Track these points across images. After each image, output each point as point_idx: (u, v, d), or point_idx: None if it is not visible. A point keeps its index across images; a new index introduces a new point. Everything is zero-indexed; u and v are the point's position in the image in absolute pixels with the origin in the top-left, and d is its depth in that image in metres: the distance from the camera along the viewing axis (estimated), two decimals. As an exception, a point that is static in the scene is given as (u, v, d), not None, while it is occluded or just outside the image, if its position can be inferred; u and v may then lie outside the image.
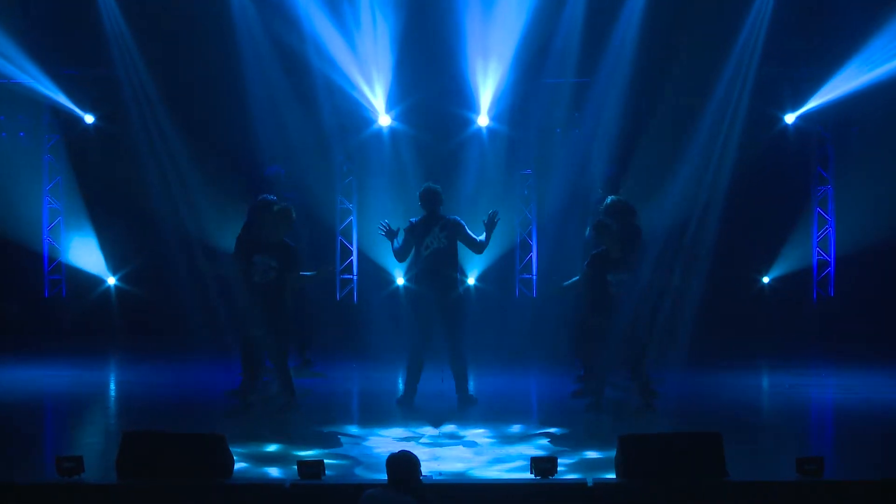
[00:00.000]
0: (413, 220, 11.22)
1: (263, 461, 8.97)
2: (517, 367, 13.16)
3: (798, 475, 7.86)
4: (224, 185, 14.35)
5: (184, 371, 13.03)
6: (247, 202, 12.22)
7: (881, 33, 14.36)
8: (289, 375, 11.02)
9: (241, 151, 14.70)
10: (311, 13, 14.62)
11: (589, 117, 15.03)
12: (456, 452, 9.39)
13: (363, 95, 15.15)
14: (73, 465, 7.78)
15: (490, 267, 15.30)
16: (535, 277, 15.76)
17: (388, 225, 11.14)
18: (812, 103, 15.23)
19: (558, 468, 7.97)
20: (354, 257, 15.83)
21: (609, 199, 11.42)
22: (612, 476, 8.05)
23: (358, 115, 15.29)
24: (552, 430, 10.17)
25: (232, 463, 8.08)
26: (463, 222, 11.21)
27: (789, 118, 15.52)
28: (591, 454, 9.21)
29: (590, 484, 7.86)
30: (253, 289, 10.78)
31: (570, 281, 11.31)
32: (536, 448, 9.46)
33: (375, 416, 10.89)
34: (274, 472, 8.62)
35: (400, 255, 11.26)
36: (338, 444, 9.71)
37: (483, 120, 15.29)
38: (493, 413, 10.87)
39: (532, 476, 7.93)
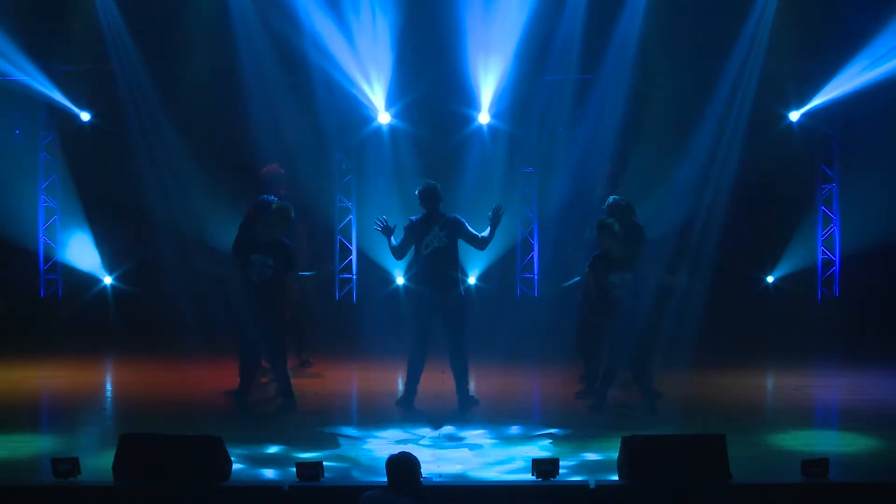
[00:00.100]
0: (413, 218, 11.13)
1: (261, 463, 8.97)
2: (518, 368, 13.10)
3: (803, 477, 7.84)
4: (221, 183, 14.28)
5: (181, 372, 12.93)
6: (244, 200, 12.16)
7: (887, 29, 14.33)
8: (287, 376, 11.03)
9: (238, 149, 14.65)
10: (309, 8, 14.58)
11: (592, 114, 14.98)
12: (456, 454, 9.38)
13: (362, 92, 15.09)
14: (69, 467, 7.78)
15: (491, 266, 15.26)
16: (536, 277, 15.71)
17: (386, 221, 11.03)
18: (817, 101, 15.17)
19: (560, 470, 7.94)
20: (354, 256, 15.78)
21: (611, 198, 11.33)
22: (615, 478, 8.04)
23: (357, 113, 15.25)
24: (554, 430, 10.16)
25: (230, 465, 8.07)
26: (464, 220, 11.14)
27: (794, 116, 15.46)
28: (594, 455, 9.20)
29: (592, 486, 7.85)
30: (250, 288, 10.73)
31: (570, 281, 11.24)
32: (538, 449, 9.43)
33: (375, 417, 10.86)
34: (272, 473, 8.62)
35: (397, 254, 11.17)
36: (336, 445, 9.70)
37: (484, 117, 15.24)
38: (494, 414, 10.84)
39: (533, 478, 7.89)
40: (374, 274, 15.47)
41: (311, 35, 14.64)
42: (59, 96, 15.27)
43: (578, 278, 11.18)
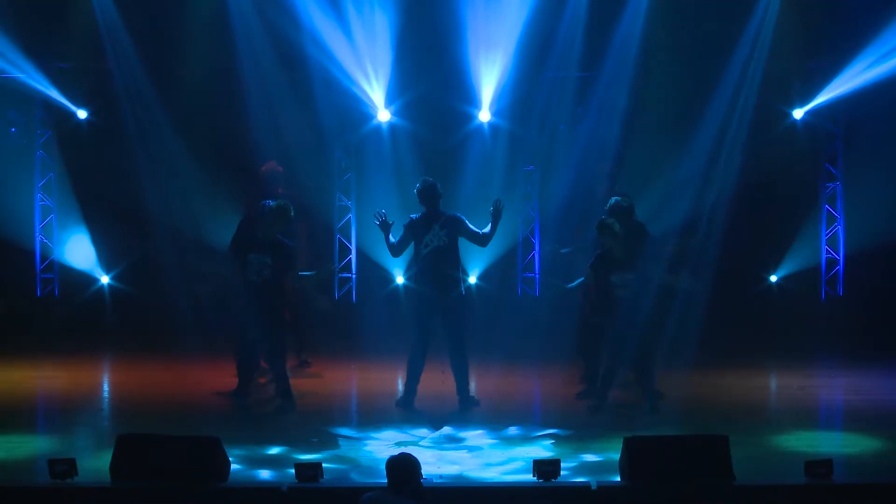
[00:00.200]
0: (413, 216, 11.05)
1: (260, 464, 8.95)
2: (519, 368, 13.06)
3: (806, 478, 7.80)
4: (220, 182, 14.24)
5: (179, 371, 12.89)
6: (243, 199, 12.10)
7: (891, 26, 14.32)
8: (286, 376, 11.00)
9: (236, 147, 14.64)
10: (308, 5, 14.56)
11: (593, 112, 14.94)
12: (457, 454, 9.36)
13: (362, 90, 15.07)
14: (66, 467, 7.74)
15: (492, 265, 15.26)
16: (537, 276, 15.66)
17: (385, 215, 10.95)
18: (821, 98, 15.16)
19: (561, 471, 7.88)
20: (353, 256, 15.75)
21: (612, 199, 11.27)
22: (617, 479, 8.00)
23: (357, 111, 15.22)
24: (555, 431, 10.13)
25: (228, 466, 8.03)
26: (464, 218, 11.08)
27: (798, 114, 15.44)
28: (595, 456, 9.18)
29: (594, 487, 7.80)
30: (248, 287, 10.68)
31: (574, 283, 11.20)
32: (539, 450, 9.40)
33: (374, 417, 10.82)
34: (271, 475, 8.60)
35: (395, 251, 11.11)
36: (336, 446, 9.67)
37: (485, 115, 15.21)
38: (495, 414, 10.82)
39: (534, 479, 7.84)
40: (374, 273, 15.45)
41: (311, 32, 14.63)
42: (55, 94, 15.24)
43: (582, 279, 11.12)
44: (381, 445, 9.61)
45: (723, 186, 14.70)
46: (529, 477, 7.87)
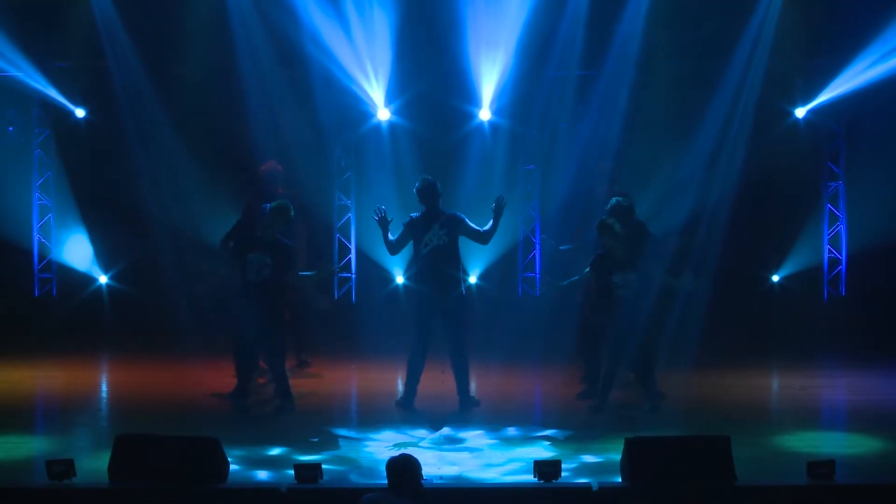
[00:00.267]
0: (414, 215, 11.00)
1: (259, 465, 8.94)
2: (519, 368, 13.04)
3: (809, 479, 7.76)
4: (219, 181, 14.22)
5: (177, 372, 12.87)
6: (243, 199, 12.07)
7: (894, 24, 14.27)
8: (285, 377, 11.00)
9: (236, 146, 14.65)
10: (307, 3, 14.55)
11: (594, 111, 14.91)
12: (457, 455, 9.33)
13: (361, 89, 15.05)
14: (63, 468, 7.70)
15: (492, 265, 15.24)
16: (538, 276, 15.63)
17: (385, 211, 10.89)
18: (823, 97, 15.14)
19: (562, 472, 7.83)
20: (353, 255, 15.72)
21: (613, 200, 11.23)
22: (618, 480, 7.96)
23: (356, 109, 15.21)
24: (556, 432, 10.11)
25: (227, 466, 7.99)
26: (464, 216, 11.04)
27: (800, 112, 15.43)
28: (596, 457, 9.17)
29: (595, 488, 7.76)
30: (248, 287, 10.65)
31: (569, 280, 11.16)
32: (540, 450, 9.38)
33: (374, 418, 10.80)
34: (270, 475, 8.58)
35: (392, 248, 11.08)
36: (335, 446, 9.65)
37: (485, 114, 15.19)
38: (495, 415, 10.80)
39: (535, 479, 7.80)
40: (374, 273, 15.43)
41: (310, 30, 14.62)
42: (53, 92, 15.24)
43: (577, 277, 11.08)
44: (381, 446, 9.58)
45: (724, 185, 14.70)
46: (530, 478, 7.82)
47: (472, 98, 15.09)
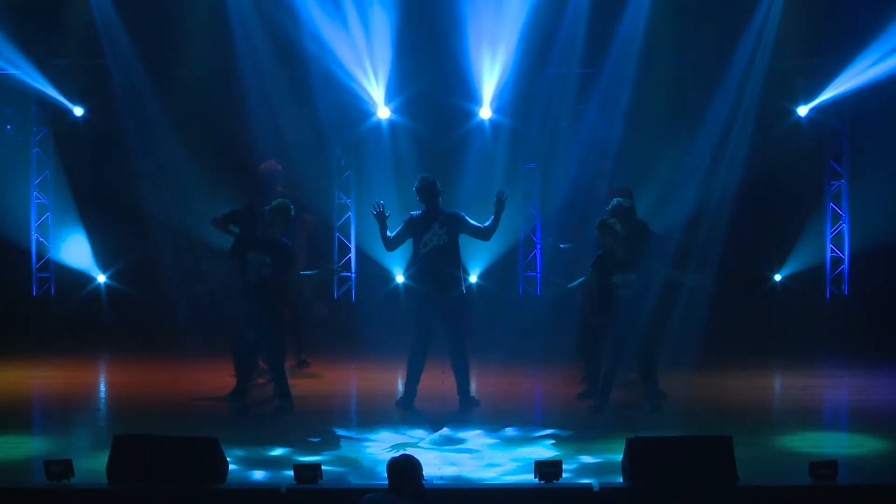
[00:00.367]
0: (414, 213, 10.95)
1: (259, 465, 8.92)
2: (520, 368, 13.03)
3: (811, 479, 7.75)
4: (218, 180, 14.18)
5: (176, 372, 12.85)
6: (241, 198, 12.06)
7: (895, 24, 14.25)
8: (284, 377, 11.00)
9: (235, 145, 14.64)
10: (306, 1, 14.53)
11: (595, 109, 14.89)
12: (457, 455, 9.31)
13: (361, 87, 15.04)
14: (62, 468, 7.69)
15: (493, 264, 15.23)
16: (539, 275, 15.61)
17: (383, 206, 10.84)
18: (826, 95, 15.13)
19: (563, 472, 7.80)
20: (353, 254, 15.71)
21: (614, 201, 11.20)
22: (619, 480, 7.94)
23: (356, 108, 15.20)
24: (556, 432, 10.08)
25: (226, 467, 7.98)
26: (464, 214, 11.00)
27: (802, 111, 15.42)
28: (597, 457, 9.14)
29: (596, 488, 7.75)
30: (247, 287, 10.63)
31: (575, 283, 11.14)
32: (540, 450, 9.36)
33: (374, 418, 10.77)
34: (269, 476, 8.57)
35: (389, 245, 11.05)
36: (335, 447, 9.63)
37: (486, 112, 15.18)
38: (496, 415, 10.77)
39: (536, 480, 7.78)
40: (374, 272, 15.43)
41: (310, 28, 14.61)
42: (51, 91, 15.23)
43: (583, 279, 11.06)
44: (381, 446, 9.56)
45: (727, 184, 14.69)
46: (531, 478, 7.81)
47: (473, 96, 15.07)
